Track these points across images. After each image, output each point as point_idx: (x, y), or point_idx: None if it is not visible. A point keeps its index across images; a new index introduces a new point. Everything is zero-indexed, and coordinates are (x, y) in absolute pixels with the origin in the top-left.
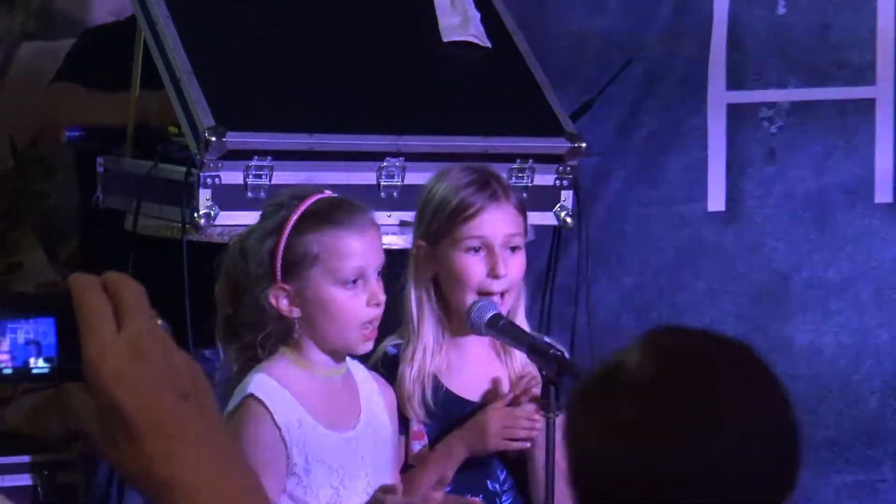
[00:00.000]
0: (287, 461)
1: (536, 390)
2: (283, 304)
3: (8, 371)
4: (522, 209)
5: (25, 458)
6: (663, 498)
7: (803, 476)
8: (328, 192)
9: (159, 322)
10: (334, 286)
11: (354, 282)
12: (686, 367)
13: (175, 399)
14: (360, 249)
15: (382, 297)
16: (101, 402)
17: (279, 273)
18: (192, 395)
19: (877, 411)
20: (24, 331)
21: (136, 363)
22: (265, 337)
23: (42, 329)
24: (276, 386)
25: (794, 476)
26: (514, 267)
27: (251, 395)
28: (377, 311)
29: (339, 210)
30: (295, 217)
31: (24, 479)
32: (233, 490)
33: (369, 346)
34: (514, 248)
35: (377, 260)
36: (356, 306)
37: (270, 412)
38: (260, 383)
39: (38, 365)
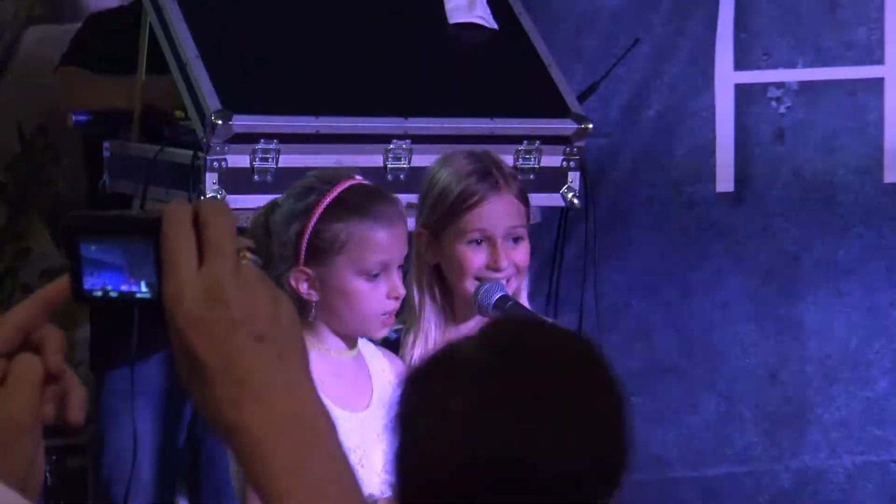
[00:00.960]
0: None
1: None
2: (304, 287)
3: (114, 294)
4: (525, 197)
5: None
6: (487, 487)
7: (817, 457)
8: (359, 178)
9: (248, 257)
10: (357, 276)
11: (377, 274)
12: (519, 359)
13: (249, 343)
14: (386, 243)
15: (402, 291)
16: (178, 342)
17: (303, 257)
18: (270, 338)
19: (887, 392)
20: (128, 254)
21: (210, 306)
22: None
23: (143, 254)
24: None
25: (619, 476)
26: (517, 257)
27: None
28: (396, 304)
29: (370, 201)
30: (325, 203)
31: None
32: (297, 443)
33: (386, 331)
34: (516, 239)
35: (402, 252)
36: (376, 297)
37: None
38: None
39: (142, 290)
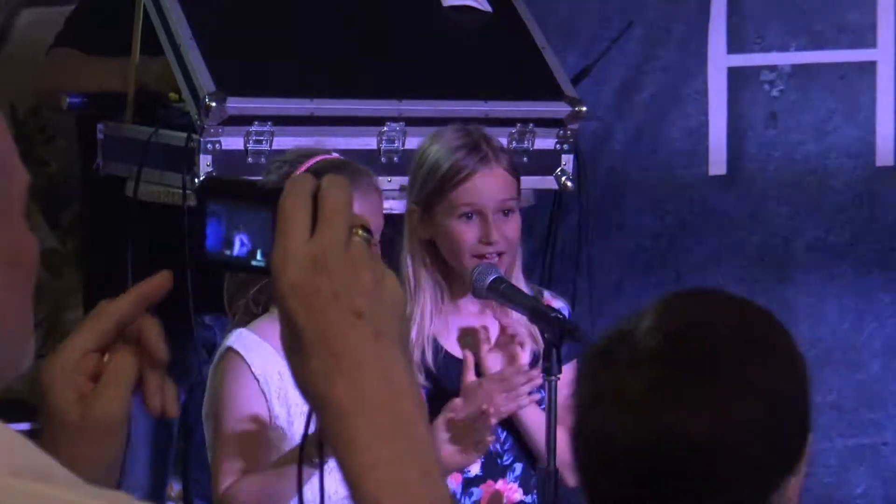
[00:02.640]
0: (269, 414)
1: (522, 341)
2: None
3: (231, 258)
4: (515, 172)
5: (26, 426)
6: (666, 468)
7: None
8: (335, 155)
9: (361, 234)
10: None
11: None
12: (694, 338)
13: (347, 317)
14: (358, 212)
15: None
16: (280, 309)
17: None
18: (368, 315)
19: (879, 374)
20: (251, 222)
21: (313, 276)
22: (258, 292)
23: (264, 223)
24: (255, 339)
25: (801, 448)
26: (508, 230)
27: (229, 348)
28: None
29: (340, 171)
30: (297, 174)
31: None
32: (384, 421)
33: None
34: (507, 212)
35: (376, 224)
36: None
37: (248, 364)
38: (239, 337)
39: (258, 258)
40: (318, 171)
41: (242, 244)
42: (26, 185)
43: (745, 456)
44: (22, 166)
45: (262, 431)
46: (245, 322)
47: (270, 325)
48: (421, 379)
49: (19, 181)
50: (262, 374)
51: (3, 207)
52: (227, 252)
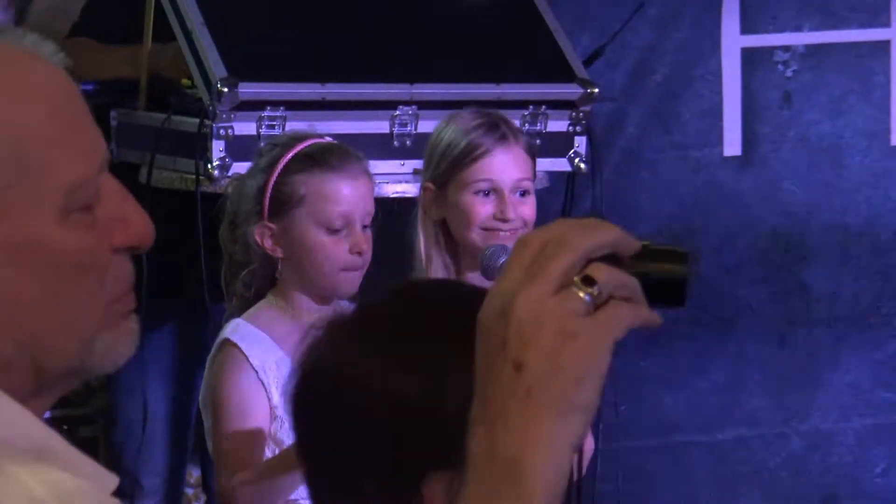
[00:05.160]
0: (268, 403)
1: None
2: (268, 242)
3: None
4: (532, 153)
5: (46, 414)
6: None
7: (826, 421)
8: (328, 139)
9: (578, 289)
10: (318, 230)
11: (339, 229)
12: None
13: (507, 368)
14: (348, 196)
15: (365, 247)
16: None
17: (266, 211)
18: (529, 371)
19: None
20: None
21: (496, 319)
22: (250, 274)
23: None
24: (252, 330)
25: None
26: (524, 211)
27: (226, 340)
28: (358, 259)
29: (331, 154)
30: (288, 157)
31: None
32: (490, 484)
33: (351, 288)
34: (524, 193)
35: (365, 208)
36: (338, 252)
37: (245, 354)
38: (236, 328)
39: None
40: (309, 154)
41: None
42: (75, 181)
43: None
44: (73, 163)
45: (260, 422)
46: (242, 309)
47: (269, 314)
48: None
49: (60, 177)
50: (261, 365)
51: (32, 200)
52: None
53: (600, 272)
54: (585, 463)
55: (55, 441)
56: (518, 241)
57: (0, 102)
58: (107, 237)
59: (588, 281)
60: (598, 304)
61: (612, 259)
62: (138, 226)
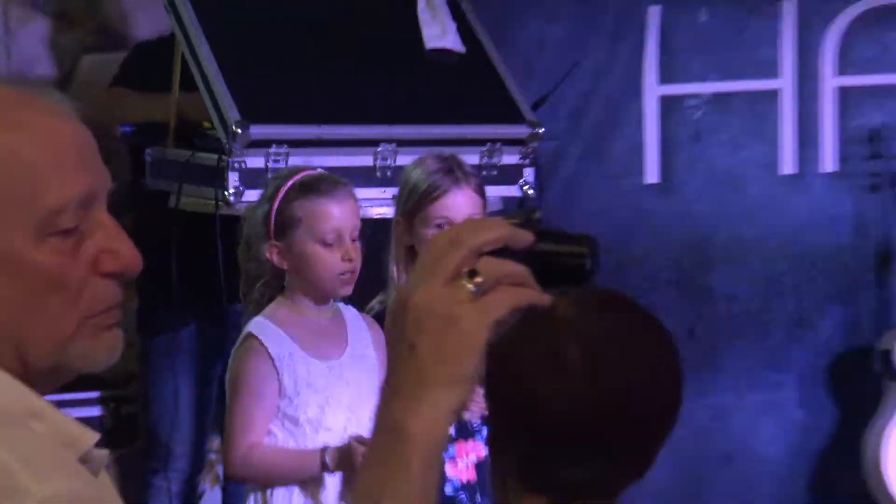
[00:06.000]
0: (279, 385)
1: None
2: (276, 258)
3: None
4: (482, 192)
5: (95, 394)
6: (604, 427)
7: (725, 396)
8: (319, 170)
9: (466, 285)
10: (315, 244)
11: (331, 243)
12: (610, 312)
13: (404, 348)
14: (337, 214)
15: (354, 255)
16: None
17: (272, 232)
18: (420, 351)
19: (782, 342)
20: None
21: (400, 312)
22: (264, 285)
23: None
24: (271, 326)
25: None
26: None
27: (250, 334)
28: (350, 266)
29: (321, 182)
30: (285, 188)
31: (94, 411)
32: (384, 448)
33: (347, 290)
34: None
35: (352, 223)
36: (332, 261)
37: (265, 346)
38: (257, 324)
39: None
40: (303, 183)
41: None
42: (52, 209)
43: (670, 407)
44: (51, 195)
45: (272, 403)
46: (257, 311)
47: (282, 315)
48: None
49: (38, 204)
50: (277, 355)
51: (12, 220)
52: None
53: (484, 265)
54: None
55: (47, 407)
56: (428, 241)
57: (6, 134)
58: (91, 263)
59: (473, 273)
60: (484, 292)
61: (506, 252)
62: (125, 257)
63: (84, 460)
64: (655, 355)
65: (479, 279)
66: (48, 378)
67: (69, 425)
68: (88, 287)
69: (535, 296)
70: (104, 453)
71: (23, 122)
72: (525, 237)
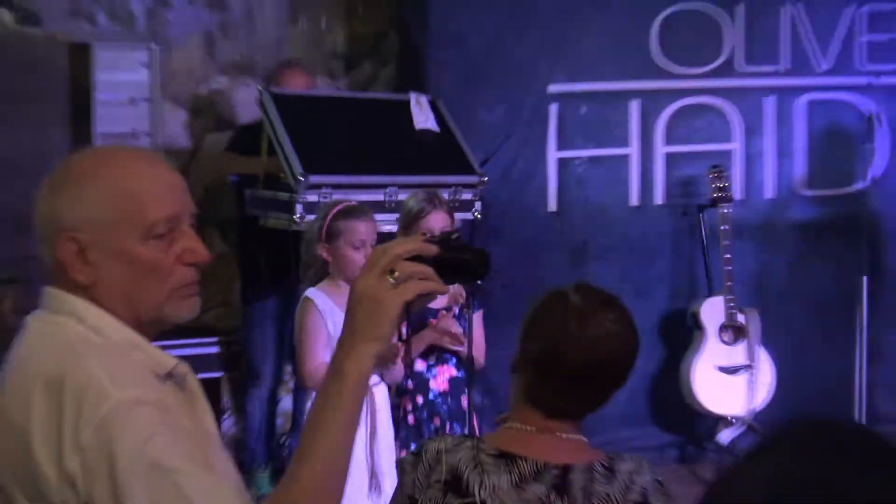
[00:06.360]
0: (326, 332)
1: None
2: (325, 254)
3: None
4: (451, 213)
5: (215, 339)
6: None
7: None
8: (353, 202)
9: (389, 279)
10: (348, 247)
11: (359, 247)
12: (602, 304)
13: (347, 323)
14: (363, 230)
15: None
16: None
17: (323, 238)
18: (352, 324)
19: (631, 307)
20: None
21: (354, 301)
22: (315, 271)
23: None
24: (319, 293)
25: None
26: None
27: (306, 297)
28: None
29: (353, 210)
30: (332, 213)
31: (214, 349)
32: (326, 389)
33: None
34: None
35: (372, 236)
36: (359, 259)
37: (317, 305)
38: (311, 292)
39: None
40: (342, 210)
41: None
42: (150, 224)
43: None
44: (150, 214)
45: (324, 339)
46: (311, 285)
47: (327, 287)
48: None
49: (142, 220)
50: (323, 310)
51: (128, 229)
52: None
53: (402, 266)
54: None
55: (145, 343)
56: (374, 249)
57: (127, 175)
58: (177, 257)
59: (393, 271)
60: (400, 283)
61: (420, 258)
62: (199, 253)
63: (171, 375)
64: (624, 334)
65: (397, 275)
66: (152, 327)
67: (159, 355)
68: (175, 272)
69: (435, 286)
70: (185, 369)
71: (135, 169)
72: (431, 249)
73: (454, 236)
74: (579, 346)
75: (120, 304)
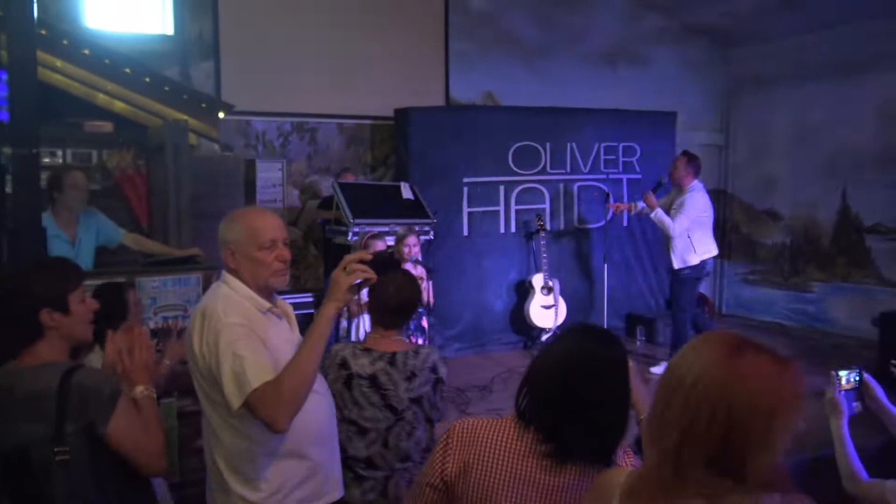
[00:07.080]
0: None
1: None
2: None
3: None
4: (418, 236)
5: (310, 294)
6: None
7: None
8: (376, 230)
9: (346, 269)
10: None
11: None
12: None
13: (328, 298)
14: (379, 247)
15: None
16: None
17: (362, 247)
18: (330, 293)
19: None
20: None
21: (331, 283)
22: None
23: None
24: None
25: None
26: (416, 251)
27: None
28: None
29: (375, 235)
30: (367, 237)
31: (308, 299)
32: (308, 337)
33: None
34: (416, 248)
35: (382, 248)
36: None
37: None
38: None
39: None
40: (371, 236)
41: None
42: (263, 241)
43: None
44: (263, 236)
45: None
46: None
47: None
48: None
49: (259, 239)
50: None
51: (251, 244)
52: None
53: (351, 265)
54: None
55: (255, 296)
56: (345, 256)
57: (252, 219)
58: (276, 256)
59: (345, 267)
60: (349, 273)
61: (365, 261)
62: (286, 256)
63: (270, 311)
64: (414, 286)
65: (348, 269)
66: (266, 290)
67: (261, 302)
68: (274, 265)
69: (368, 274)
70: (284, 306)
71: (256, 216)
72: (368, 256)
73: (388, 252)
74: (391, 295)
75: (248, 278)
